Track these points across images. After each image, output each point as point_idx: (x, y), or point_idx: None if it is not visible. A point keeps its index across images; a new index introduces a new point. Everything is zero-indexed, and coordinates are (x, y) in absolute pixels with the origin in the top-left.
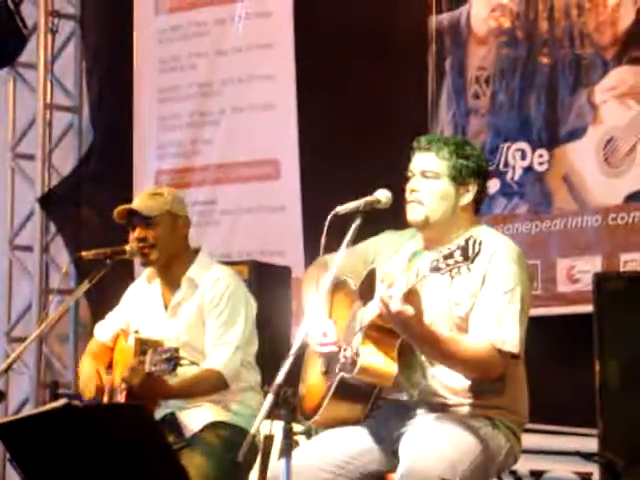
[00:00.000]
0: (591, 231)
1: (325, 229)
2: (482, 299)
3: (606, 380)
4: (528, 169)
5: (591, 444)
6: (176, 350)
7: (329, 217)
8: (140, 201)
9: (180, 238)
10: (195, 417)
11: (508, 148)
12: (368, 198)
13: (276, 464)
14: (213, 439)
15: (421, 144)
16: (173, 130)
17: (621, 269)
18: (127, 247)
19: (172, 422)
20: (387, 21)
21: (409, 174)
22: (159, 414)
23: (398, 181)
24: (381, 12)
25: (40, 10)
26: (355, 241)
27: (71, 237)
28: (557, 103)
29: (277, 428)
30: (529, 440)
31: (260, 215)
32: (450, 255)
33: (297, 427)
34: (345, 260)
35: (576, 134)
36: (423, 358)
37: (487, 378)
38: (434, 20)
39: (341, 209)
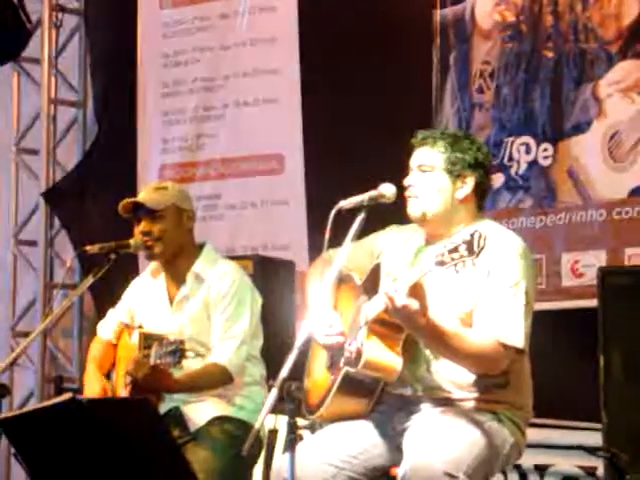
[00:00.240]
0: (596, 225)
1: (329, 224)
2: (487, 293)
3: (610, 374)
4: (533, 163)
5: (595, 438)
6: (181, 342)
7: (333, 211)
8: (146, 194)
9: (185, 232)
10: (200, 411)
11: (512, 142)
12: (372, 192)
13: (280, 458)
14: (218, 433)
15: (418, 139)
16: (177, 124)
17: (625, 263)
18: (131, 241)
19: (177, 416)
20: (391, 15)
21: (410, 170)
22: (164, 408)
23: (402, 176)
24: (385, 6)
25: (44, 5)
26: (360, 236)
27: (75, 232)
28: (561, 97)
29: (281, 422)
30: (533, 434)
31: (264, 209)
32: (455, 249)
33: (301, 421)
34: (350, 255)
35: (581, 128)
36: (428, 352)
37: (492, 372)
38: (438, 14)
39: (345, 203)
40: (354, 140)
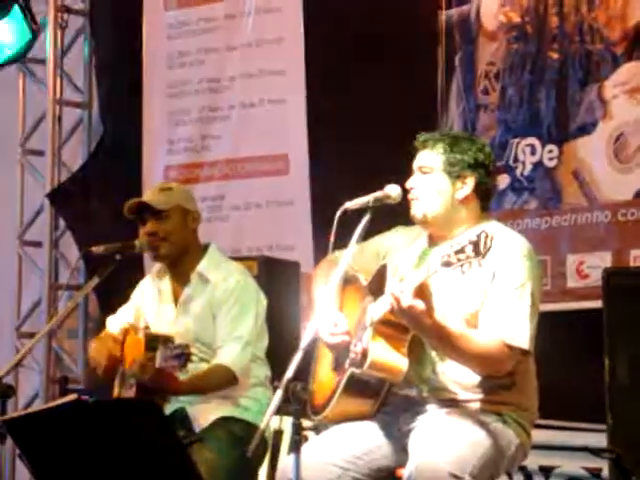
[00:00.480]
0: (601, 227)
1: (335, 225)
2: (492, 295)
3: (616, 375)
4: (538, 164)
5: (600, 440)
6: (186, 346)
7: (338, 212)
8: (151, 195)
9: (190, 233)
10: (205, 412)
11: (518, 143)
12: (378, 193)
13: (285, 459)
14: (223, 434)
15: (419, 141)
16: (182, 125)
17: (631, 265)
18: (137, 242)
19: (182, 417)
20: (396, 16)
21: (413, 172)
22: (169, 409)
23: (408, 177)
24: (391, 7)
25: (50, 6)
26: (366, 237)
27: (80, 232)
28: (567, 98)
29: (286, 423)
30: (538, 436)
31: (269, 210)
32: (462, 250)
33: (306, 422)
34: (356, 256)
35: (586, 129)
36: (433, 354)
37: (497, 374)
38: (444, 15)
39: (350, 204)
40: (359, 141)
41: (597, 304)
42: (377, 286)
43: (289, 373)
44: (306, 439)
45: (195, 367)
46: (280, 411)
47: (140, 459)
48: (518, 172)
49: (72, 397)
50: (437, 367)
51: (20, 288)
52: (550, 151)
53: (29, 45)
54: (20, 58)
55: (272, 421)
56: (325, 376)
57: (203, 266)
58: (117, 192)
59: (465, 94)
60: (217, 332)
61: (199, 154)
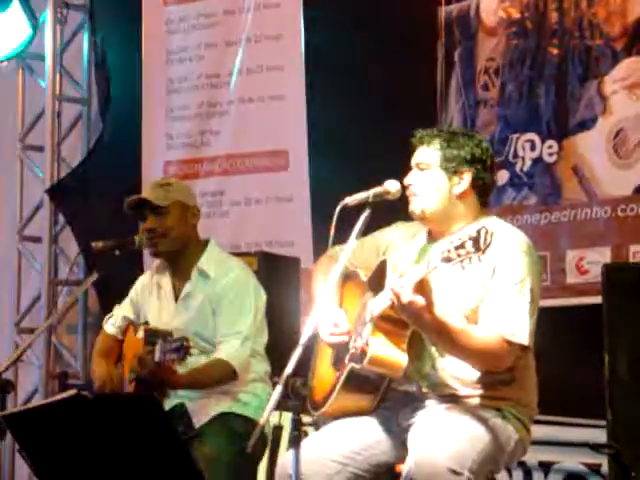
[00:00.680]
0: (600, 222)
1: (334, 220)
2: (492, 290)
3: (615, 371)
4: (537, 160)
5: (600, 435)
6: (186, 339)
7: (338, 208)
8: (150, 191)
9: (190, 228)
10: (204, 408)
11: (517, 139)
12: (377, 189)
13: (285, 455)
14: (222, 430)
15: (416, 138)
16: (182, 121)
17: (630, 260)
18: (136, 237)
19: (181, 413)
20: (396, 12)
21: (411, 169)
22: (168, 404)
23: (407, 172)
24: (390, 2)
25: (49, 1)
26: (365, 232)
27: (80, 228)
28: (567, 94)
29: (286, 419)
30: (538, 431)
31: (269, 206)
32: (462, 245)
33: (306, 418)
34: (357, 251)
35: (586, 125)
36: (433, 349)
37: (497, 369)
38: (443, 10)
39: (350, 200)
40: (359, 137)
41: (597, 300)
42: (377, 282)
43: (289, 368)
44: (306, 434)
45: (195, 360)
46: (280, 406)
47: (139, 454)
48: (518, 168)
49: (72, 392)
50: (437, 363)
51: (19, 283)
52: (550, 147)
53: (28, 41)
54: (19, 54)
55: (272, 416)
56: (325, 371)
57: (203, 262)
58: (116, 188)
59: (465, 90)
60: (217, 327)
61: (198, 150)
